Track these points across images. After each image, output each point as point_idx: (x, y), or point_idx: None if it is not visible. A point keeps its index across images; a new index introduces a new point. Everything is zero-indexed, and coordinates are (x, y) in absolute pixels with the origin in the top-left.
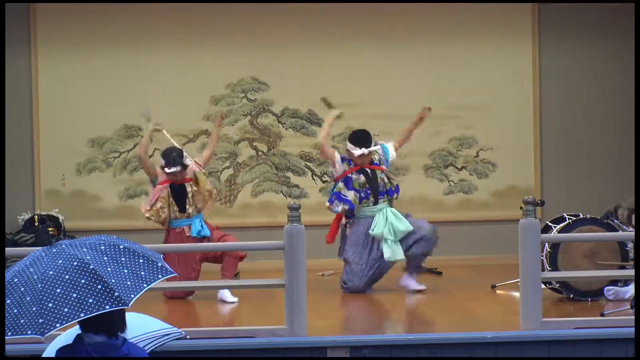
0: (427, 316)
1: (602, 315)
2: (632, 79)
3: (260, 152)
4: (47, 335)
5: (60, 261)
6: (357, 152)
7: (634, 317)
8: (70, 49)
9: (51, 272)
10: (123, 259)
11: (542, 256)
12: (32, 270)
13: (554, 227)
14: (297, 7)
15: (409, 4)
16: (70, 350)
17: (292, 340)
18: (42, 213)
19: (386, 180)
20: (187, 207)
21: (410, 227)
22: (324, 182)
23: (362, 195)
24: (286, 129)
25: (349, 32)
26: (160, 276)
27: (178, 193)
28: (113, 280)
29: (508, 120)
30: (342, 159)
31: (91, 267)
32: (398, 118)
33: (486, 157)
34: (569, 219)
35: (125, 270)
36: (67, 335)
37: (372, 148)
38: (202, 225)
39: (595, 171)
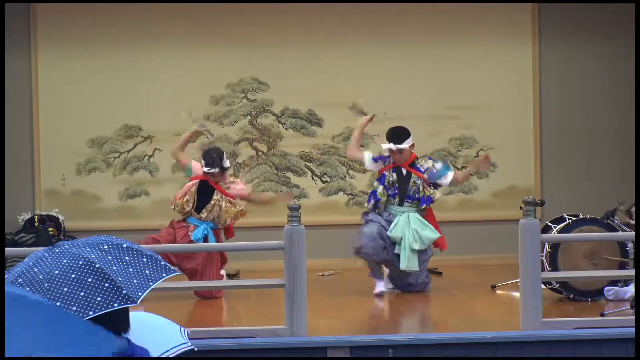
0: (427, 316)
1: (602, 315)
2: (632, 79)
3: (260, 152)
4: None
5: (65, 260)
6: (385, 145)
7: (634, 317)
8: (70, 49)
9: (57, 272)
10: (127, 257)
11: (542, 256)
12: (36, 270)
13: (554, 227)
14: (297, 7)
15: (409, 4)
16: None
17: (292, 340)
18: (42, 213)
19: (421, 187)
20: (204, 210)
21: (437, 234)
22: (323, 182)
23: (390, 193)
24: (286, 129)
25: (349, 32)
26: (164, 274)
27: (204, 193)
28: (120, 279)
29: (508, 120)
30: (377, 158)
31: (97, 265)
32: (398, 118)
33: None
34: (569, 219)
35: (131, 269)
36: None
37: (402, 145)
38: (204, 236)
39: (595, 171)
